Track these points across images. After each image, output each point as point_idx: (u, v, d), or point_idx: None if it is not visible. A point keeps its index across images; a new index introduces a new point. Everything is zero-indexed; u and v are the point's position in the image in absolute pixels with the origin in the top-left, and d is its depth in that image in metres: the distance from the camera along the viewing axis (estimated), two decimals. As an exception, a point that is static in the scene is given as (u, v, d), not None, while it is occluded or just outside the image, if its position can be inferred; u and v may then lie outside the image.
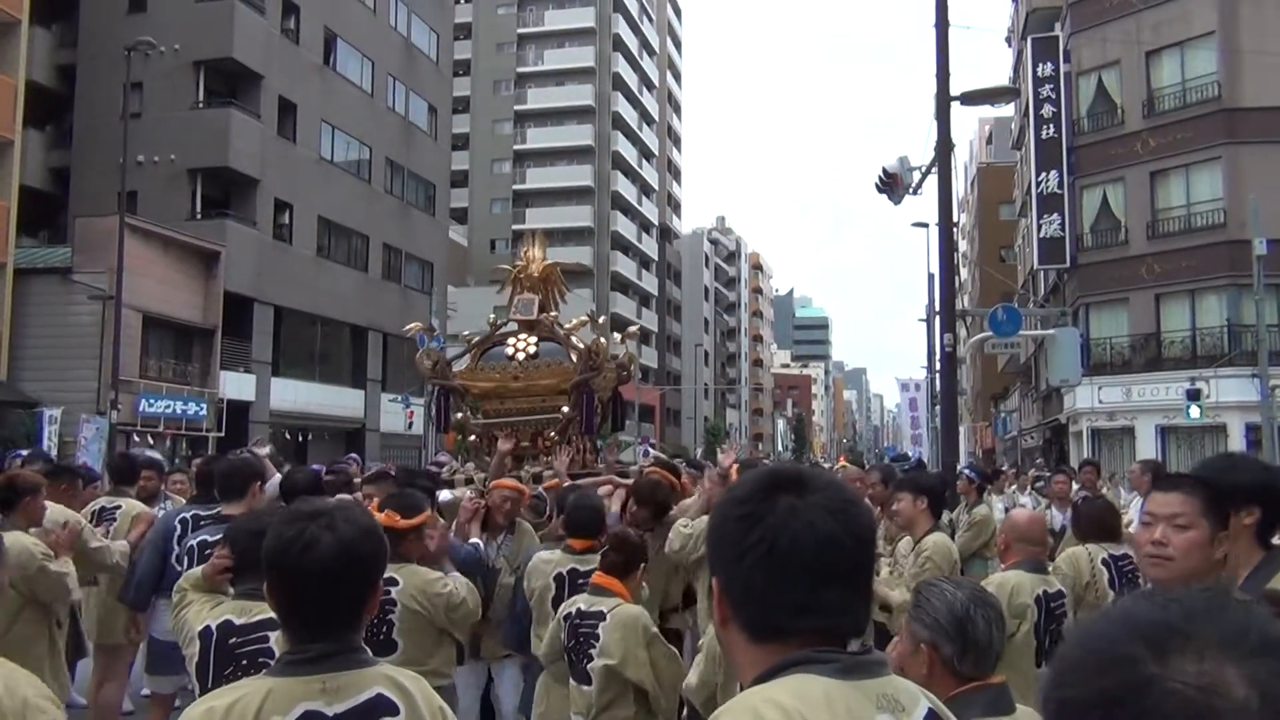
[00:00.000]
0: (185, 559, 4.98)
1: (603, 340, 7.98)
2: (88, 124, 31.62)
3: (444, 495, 6.38)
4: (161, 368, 28.89)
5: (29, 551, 4.57)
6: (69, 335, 26.87)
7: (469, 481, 7.27)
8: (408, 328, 9.16)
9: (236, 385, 31.26)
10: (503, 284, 8.51)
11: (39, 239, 31.47)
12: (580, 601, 4.38)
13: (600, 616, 4.28)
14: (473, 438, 8.32)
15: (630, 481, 6.48)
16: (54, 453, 19.18)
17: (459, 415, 8.07)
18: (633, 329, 9.42)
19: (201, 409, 28.88)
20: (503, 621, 5.44)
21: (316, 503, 2.12)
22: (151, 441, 25.66)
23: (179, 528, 5.74)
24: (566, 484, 6.52)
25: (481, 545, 5.51)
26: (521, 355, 7.94)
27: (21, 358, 26.81)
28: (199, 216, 31.67)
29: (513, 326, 8.24)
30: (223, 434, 28.59)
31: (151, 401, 27.20)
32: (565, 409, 7.73)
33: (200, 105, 32.18)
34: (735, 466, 6.03)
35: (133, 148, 27.03)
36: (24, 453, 10.74)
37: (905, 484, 5.76)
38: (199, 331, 30.28)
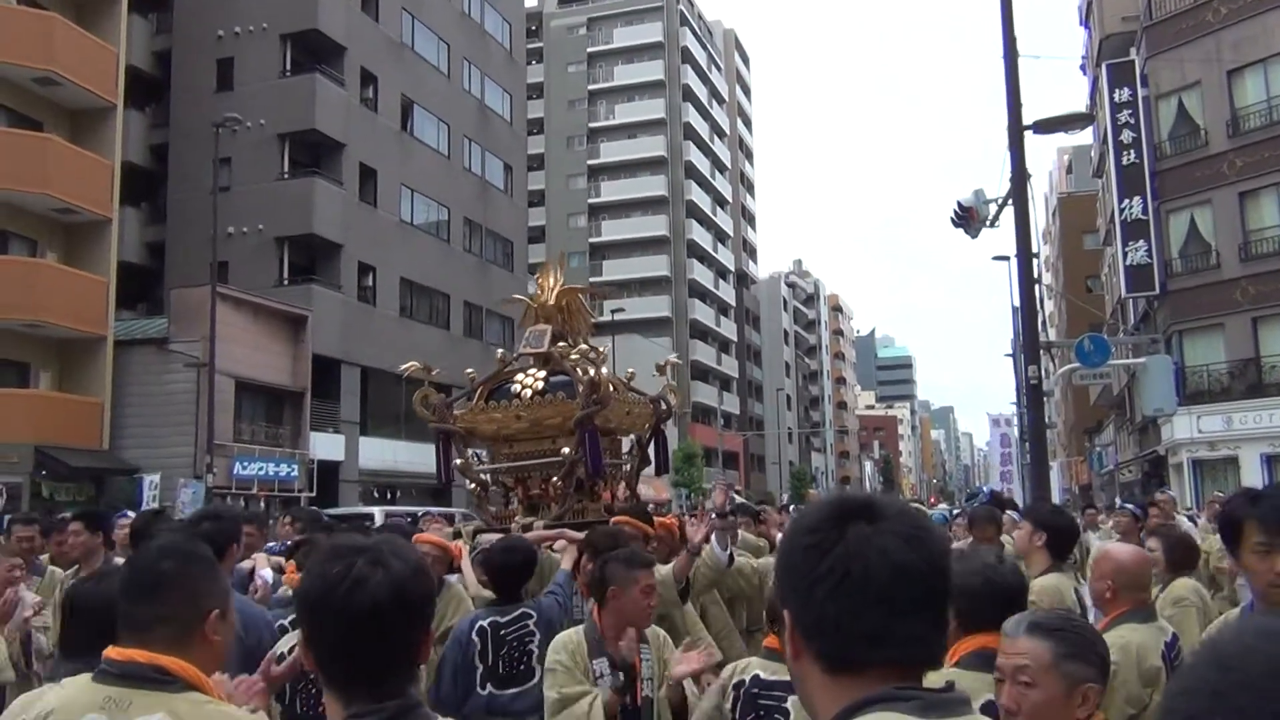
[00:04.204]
0: None
1: (604, 372, 7.14)
2: (180, 199, 32.93)
3: None
4: (254, 431, 29.66)
5: None
6: (166, 403, 27.75)
7: (458, 535, 6.69)
8: (403, 367, 7.87)
9: (326, 446, 31.91)
10: (520, 317, 7.74)
11: (137, 311, 32.66)
12: (757, 668, 3.53)
13: (788, 687, 3.39)
14: (472, 486, 7.51)
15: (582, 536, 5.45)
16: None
17: (459, 462, 7.29)
18: (672, 358, 8.25)
19: (293, 470, 29.52)
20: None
21: (359, 538, 1.86)
22: (244, 503, 26.27)
23: None
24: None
25: None
26: (528, 392, 7.01)
27: (122, 426, 27.72)
28: (286, 283, 32.63)
29: (527, 361, 7.40)
30: (314, 494, 29.16)
31: (245, 464, 27.89)
32: (566, 450, 6.84)
33: (285, 176, 33.28)
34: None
35: (223, 220, 27.99)
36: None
37: (1028, 514, 5.39)
38: (289, 394, 31.04)
